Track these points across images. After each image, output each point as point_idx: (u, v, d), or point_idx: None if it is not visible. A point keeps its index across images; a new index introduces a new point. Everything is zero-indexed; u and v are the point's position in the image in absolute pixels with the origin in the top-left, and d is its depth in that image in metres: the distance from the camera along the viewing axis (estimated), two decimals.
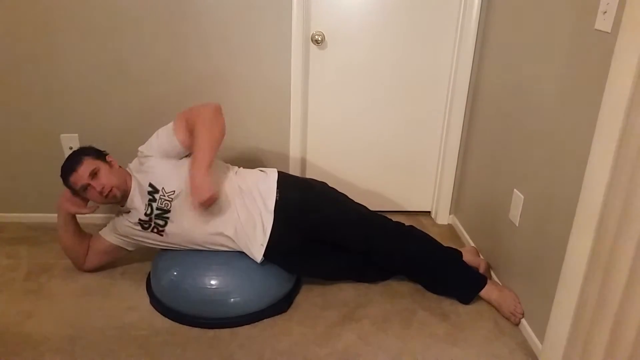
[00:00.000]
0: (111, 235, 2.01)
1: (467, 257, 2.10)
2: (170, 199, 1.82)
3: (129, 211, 1.90)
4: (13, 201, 2.51)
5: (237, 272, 1.85)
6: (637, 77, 1.18)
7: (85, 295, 1.98)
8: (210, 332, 1.79)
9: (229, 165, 2.00)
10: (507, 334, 1.83)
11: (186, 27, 2.23)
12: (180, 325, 1.83)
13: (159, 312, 1.89)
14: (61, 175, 1.87)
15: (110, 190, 1.83)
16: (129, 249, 2.05)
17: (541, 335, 1.69)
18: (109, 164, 1.90)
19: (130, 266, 2.16)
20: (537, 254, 1.76)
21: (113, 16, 2.19)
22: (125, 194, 1.88)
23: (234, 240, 1.84)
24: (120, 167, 1.93)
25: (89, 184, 1.83)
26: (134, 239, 1.97)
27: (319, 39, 2.29)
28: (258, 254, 1.84)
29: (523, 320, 1.84)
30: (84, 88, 2.31)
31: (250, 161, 2.47)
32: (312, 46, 2.33)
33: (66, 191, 1.94)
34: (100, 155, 1.92)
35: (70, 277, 2.08)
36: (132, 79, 2.30)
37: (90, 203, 1.96)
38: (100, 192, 1.82)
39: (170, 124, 1.86)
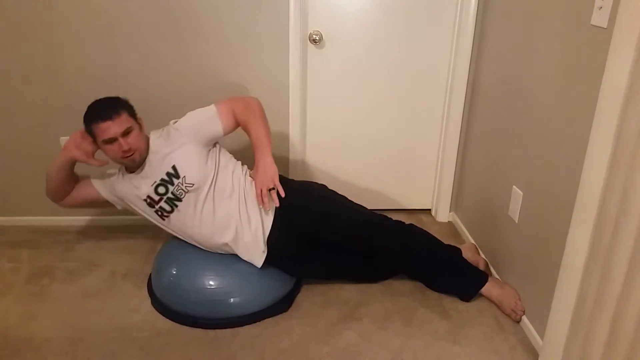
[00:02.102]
0: (105, 190, 1.95)
1: (467, 255, 2.10)
2: (187, 190, 1.79)
3: (136, 181, 1.84)
4: (13, 204, 2.51)
5: (238, 272, 1.86)
6: (633, 72, 1.18)
7: (86, 297, 1.99)
8: (212, 333, 1.80)
9: (239, 163, 1.97)
10: (507, 330, 1.83)
11: (184, 29, 2.23)
12: (182, 326, 1.83)
13: (160, 313, 1.89)
14: (89, 116, 1.75)
15: (133, 153, 1.75)
16: (119, 208, 1.99)
17: (542, 332, 1.69)
18: (140, 126, 1.82)
19: (131, 268, 2.17)
20: (536, 250, 1.76)
21: (112, 19, 2.19)
22: (141, 162, 1.82)
23: (232, 247, 1.84)
24: (145, 133, 1.86)
25: (116, 139, 1.72)
26: (130, 205, 1.92)
27: (317, 38, 2.30)
28: (259, 261, 1.85)
29: (524, 317, 1.84)
30: (82, 90, 2.31)
31: (249, 163, 2.47)
32: (310, 45, 2.33)
33: (76, 134, 1.83)
34: (134, 114, 1.83)
35: (72, 280, 2.09)
36: (131, 81, 2.31)
37: (98, 155, 1.85)
38: (125, 152, 1.73)
39: (211, 108, 1.84)
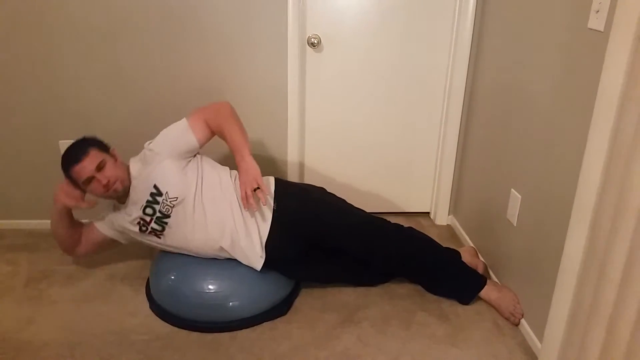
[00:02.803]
0: (106, 228, 1.98)
1: (466, 258, 2.10)
2: (172, 205, 1.81)
3: (127, 208, 1.87)
4: (12, 208, 2.51)
5: (236, 276, 1.86)
6: (629, 75, 1.18)
7: (85, 301, 1.98)
8: (210, 336, 1.80)
9: (227, 168, 1.98)
10: (506, 334, 1.83)
11: (183, 32, 2.24)
12: (180, 329, 1.83)
13: (158, 317, 1.89)
14: (63, 164, 1.81)
15: (114, 184, 1.79)
16: (124, 242, 2.02)
17: (540, 335, 1.69)
18: (114, 157, 1.87)
19: (129, 272, 2.17)
20: (535, 253, 1.76)
21: (111, 21, 2.20)
22: (126, 190, 1.85)
23: (230, 253, 1.84)
24: (122, 162, 1.89)
25: (93, 177, 1.77)
26: (131, 236, 1.94)
27: (315, 41, 2.30)
28: (257, 265, 1.85)
29: (522, 320, 1.84)
30: (82, 93, 2.32)
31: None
32: (309, 49, 2.34)
33: (63, 183, 1.87)
34: (105, 148, 1.87)
35: (70, 283, 2.08)
36: (131, 84, 2.31)
37: (87, 197, 1.90)
38: (105, 186, 1.77)
39: (183, 122, 1.85)
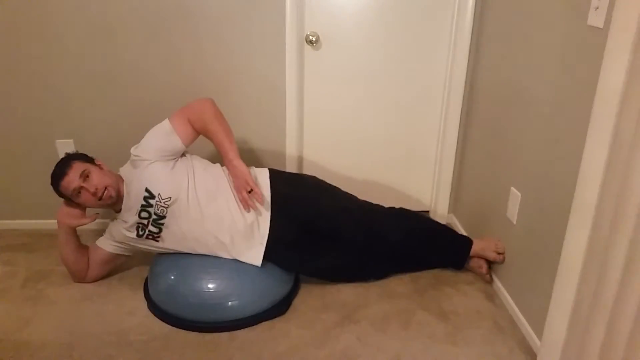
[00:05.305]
0: (108, 244, 2.00)
1: (480, 245, 2.09)
2: (166, 205, 1.82)
3: (123, 215, 1.89)
4: (9, 208, 2.51)
5: (235, 275, 1.85)
6: (629, 73, 1.17)
7: (83, 301, 1.98)
8: (208, 336, 1.79)
9: (218, 165, 1.99)
10: (506, 333, 1.83)
11: (180, 31, 2.23)
12: (179, 329, 1.82)
13: (156, 316, 1.88)
14: (52, 183, 1.84)
15: (105, 190, 1.80)
16: (127, 254, 2.04)
17: (540, 333, 1.68)
18: (99, 166, 1.89)
19: (127, 271, 2.16)
20: (534, 251, 1.76)
21: (108, 22, 2.19)
22: (119, 195, 1.86)
23: (228, 247, 1.84)
24: (110, 170, 1.91)
25: (81, 187, 1.80)
26: (131, 245, 1.96)
27: (314, 39, 2.29)
28: (258, 255, 1.85)
29: (522, 319, 1.83)
30: (79, 93, 2.31)
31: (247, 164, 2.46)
32: (307, 47, 2.32)
33: (62, 206, 1.92)
34: (88, 159, 1.90)
35: (68, 283, 2.08)
36: (127, 84, 2.30)
37: (89, 212, 1.95)
38: (94, 194, 1.79)
39: (165, 124, 1.86)
